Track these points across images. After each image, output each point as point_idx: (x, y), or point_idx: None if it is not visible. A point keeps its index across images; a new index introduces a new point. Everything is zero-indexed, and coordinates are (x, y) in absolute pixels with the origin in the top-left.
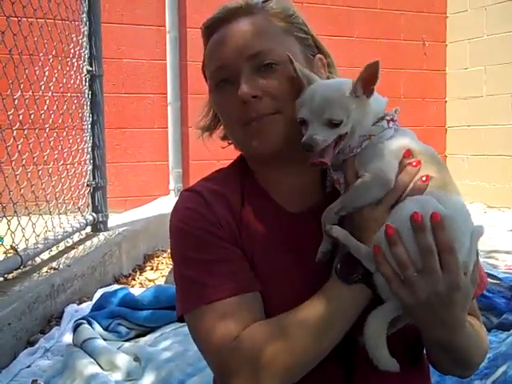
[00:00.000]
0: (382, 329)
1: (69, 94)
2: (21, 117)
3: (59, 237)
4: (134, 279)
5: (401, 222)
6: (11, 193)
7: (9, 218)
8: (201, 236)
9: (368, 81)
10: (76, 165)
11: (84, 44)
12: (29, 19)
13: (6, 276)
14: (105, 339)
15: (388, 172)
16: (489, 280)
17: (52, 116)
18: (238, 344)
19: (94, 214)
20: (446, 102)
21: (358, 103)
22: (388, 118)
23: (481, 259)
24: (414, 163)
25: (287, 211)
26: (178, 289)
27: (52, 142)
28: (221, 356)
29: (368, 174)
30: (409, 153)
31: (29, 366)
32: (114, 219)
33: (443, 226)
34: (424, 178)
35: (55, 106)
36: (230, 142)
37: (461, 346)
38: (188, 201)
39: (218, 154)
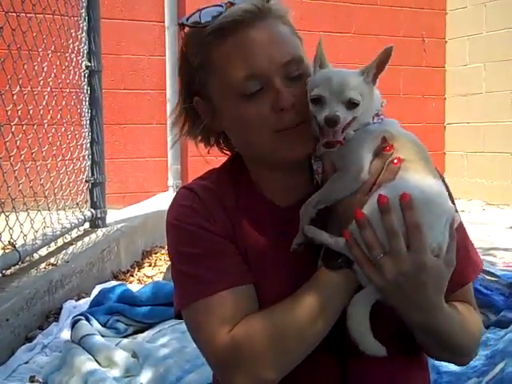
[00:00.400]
0: (363, 313)
1: (67, 90)
2: (19, 112)
3: (57, 233)
4: (133, 275)
5: (372, 206)
6: (9, 188)
7: (7, 213)
8: (194, 231)
9: (379, 68)
10: (74, 160)
11: (83, 39)
12: (27, 14)
13: (4, 272)
14: (103, 335)
15: (361, 163)
16: (487, 277)
17: (51, 111)
18: (233, 337)
19: (92, 210)
20: (445, 98)
21: (368, 89)
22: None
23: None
24: (388, 148)
25: (279, 206)
26: (175, 285)
27: (50, 138)
28: (217, 350)
29: (343, 167)
30: (384, 139)
31: (27, 362)
32: (113, 215)
33: (411, 207)
34: (395, 161)
35: (54, 102)
36: (222, 147)
37: (442, 330)
38: (182, 198)
39: (216, 150)
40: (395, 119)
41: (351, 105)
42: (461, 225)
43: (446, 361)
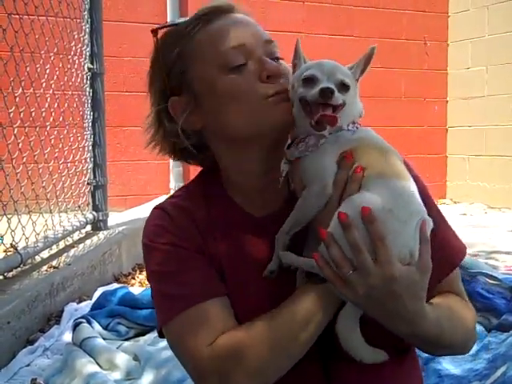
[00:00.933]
0: (353, 326)
1: (70, 92)
2: (22, 114)
3: (59, 235)
4: (134, 278)
5: (336, 223)
6: (12, 191)
7: (9, 216)
8: (166, 250)
9: (365, 65)
10: (76, 163)
11: (85, 42)
12: (30, 17)
13: (5, 274)
14: (104, 338)
15: (324, 179)
16: (489, 281)
17: (53, 114)
18: (215, 349)
19: (94, 213)
20: (447, 101)
21: (354, 85)
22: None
23: (481, 260)
24: (347, 156)
25: (251, 216)
26: (154, 304)
27: (53, 140)
28: (199, 363)
29: (307, 183)
30: (343, 151)
31: (28, 365)
32: (115, 218)
33: (372, 220)
34: (358, 170)
35: (56, 104)
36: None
37: (430, 335)
38: (154, 218)
39: None
40: (397, 122)
41: (343, 87)
42: (438, 211)
43: (442, 355)
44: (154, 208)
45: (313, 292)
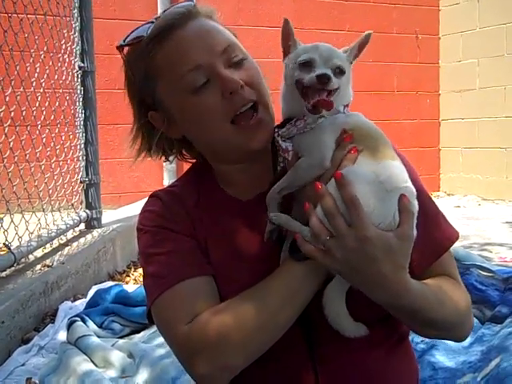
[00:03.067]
0: (339, 300)
1: (61, 91)
2: (12, 113)
3: (53, 234)
4: (129, 276)
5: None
6: (4, 190)
7: (1, 215)
8: (156, 232)
9: (359, 50)
10: (69, 161)
11: (75, 40)
12: (19, 15)
13: None
14: (99, 336)
15: (324, 151)
16: (482, 273)
17: (44, 113)
18: (193, 328)
19: (87, 211)
20: (439, 94)
21: (349, 69)
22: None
23: (475, 252)
24: (346, 137)
25: (240, 201)
26: (144, 286)
27: (44, 139)
28: (179, 342)
29: (306, 153)
30: (344, 131)
31: (23, 364)
32: (108, 216)
33: (344, 183)
34: (354, 150)
35: (47, 103)
36: (184, 155)
37: (413, 308)
38: (147, 205)
39: None
40: (390, 116)
41: (338, 72)
42: (430, 199)
43: (436, 337)
44: (150, 196)
45: (295, 269)
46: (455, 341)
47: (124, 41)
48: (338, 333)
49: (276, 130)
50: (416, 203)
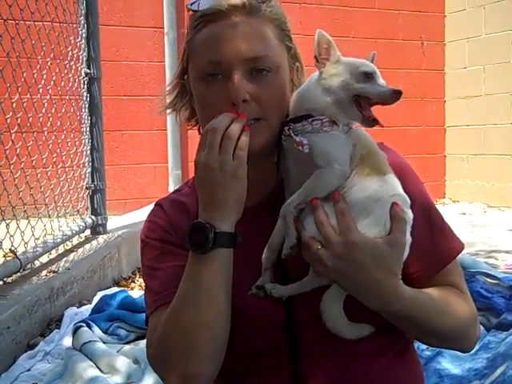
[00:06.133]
0: (336, 304)
1: (67, 97)
2: (19, 120)
3: (58, 240)
4: (134, 282)
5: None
6: (10, 196)
7: (8, 221)
8: (157, 246)
9: None
10: (75, 168)
11: (82, 46)
12: (26, 22)
13: (5, 280)
14: (104, 342)
15: (346, 161)
16: (488, 280)
17: (50, 119)
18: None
19: (93, 217)
20: (444, 101)
21: None
22: None
23: (481, 259)
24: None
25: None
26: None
27: (50, 145)
28: (149, 355)
29: (325, 164)
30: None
31: (29, 370)
32: (114, 222)
33: (337, 199)
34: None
35: (53, 109)
36: (195, 126)
37: (408, 315)
38: (151, 215)
39: None
40: (395, 122)
41: None
42: (436, 210)
43: (440, 347)
44: (155, 204)
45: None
46: (460, 351)
47: (191, 4)
48: (330, 346)
49: (288, 125)
50: (410, 212)
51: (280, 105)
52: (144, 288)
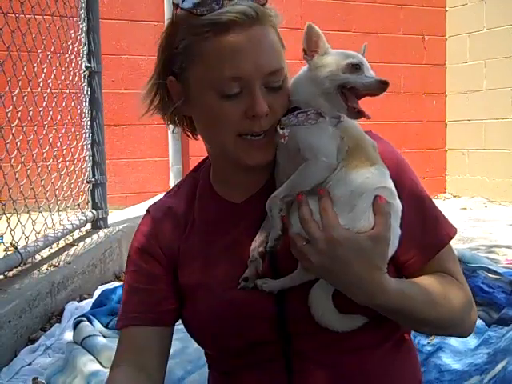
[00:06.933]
0: (324, 296)
1: (67, 91)
2: (19, 114)
3: (59, 234)
4: None
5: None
6: (10, 190)
7: (8, 215)
8: (139, 258)
9: None
10: (75, 162)
11: (82, 40)
12: (26, 16)
13: (6, 274)
14: (105, 336)
15: (333, 154)
16: (489, 275)
17: (51, 113)
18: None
19: (93, 211)
20: (446, 96)
21: None
22: None
23: (482, 254)
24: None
25: (231, 203)
26: None
27: (51, 139)
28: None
29: (311, 157)
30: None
31: (29, 364)
32: (114, 216)
33: (322, 195)
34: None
35: (54, 103)
36: (186, 129)
37: (396, 308)
38: (141, 223)
39: None
40: (396, 117)
41: None
42: (426, 196)
43: (436, 335)
44: (146, 210)
45: None
46: (458, 337)
47: (183, 1)
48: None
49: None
50: (397, 202)
51: (284, 110)
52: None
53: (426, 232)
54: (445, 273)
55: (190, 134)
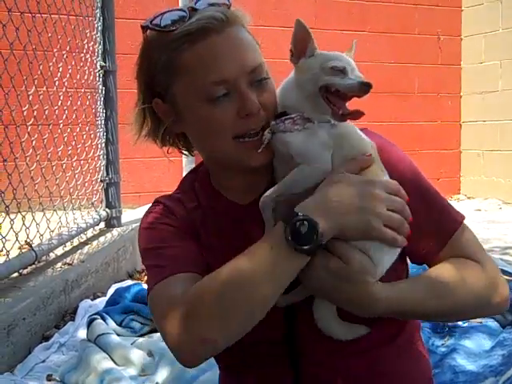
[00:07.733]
0: (328, 306)
1: (82, 90)
2: (35, 113)
3: (73, 232)
4: None
5: None
6: (25, 188)
7: (23, 213)
8: (156, 228)
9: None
10: (90, 160)
11: (98, 39)
12: (43, 15)
13: (20, 271)
14: (118, 334)
15: (326, 159)
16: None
17: (66, 112)
18: (182, 303)
19: (107, 210)
20: (460, 96)
21: None
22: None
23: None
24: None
25: (235, 204)
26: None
27: (66, 138)
28: (167, 323)
29: (305, 161)
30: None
31: (44, 361)
32: (128, 215)
33: None
34: None
35: (69, 102)
36: (180, 147)
37: (401, 311)
38: (150, 209)
39: None
40: (410, 117)
41: None
42: (430, 186)
43: (464, 320)
44: (153, 202)
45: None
46: (495, 315)
47: (151, 22)
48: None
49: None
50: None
51: (277, 106)
52: (146, 271)
53: (433, 220)
54: (464, 257)
55: (185, 151)
